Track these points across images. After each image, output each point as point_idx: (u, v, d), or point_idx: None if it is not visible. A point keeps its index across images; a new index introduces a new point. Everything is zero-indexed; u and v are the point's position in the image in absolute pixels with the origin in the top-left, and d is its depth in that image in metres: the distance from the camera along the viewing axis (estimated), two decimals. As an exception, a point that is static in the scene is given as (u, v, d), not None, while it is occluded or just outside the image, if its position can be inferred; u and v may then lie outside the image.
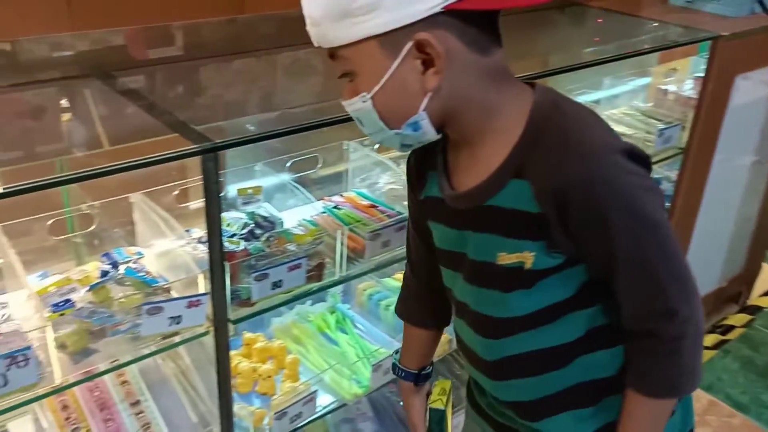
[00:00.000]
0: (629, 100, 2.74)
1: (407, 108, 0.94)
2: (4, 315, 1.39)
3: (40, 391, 1.28)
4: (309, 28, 0.95)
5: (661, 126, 2.39)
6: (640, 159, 0.93)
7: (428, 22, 0.88)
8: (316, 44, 0.96)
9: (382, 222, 1.76)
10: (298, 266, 1.56)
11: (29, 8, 2.69)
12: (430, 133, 0.97)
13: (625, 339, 1.02)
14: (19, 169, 1.39)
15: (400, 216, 1.79)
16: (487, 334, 1.08)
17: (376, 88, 0.93)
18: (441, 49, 0.89)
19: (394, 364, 1.37)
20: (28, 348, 1.22)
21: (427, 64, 0.91)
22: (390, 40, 0.89)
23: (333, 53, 0.95)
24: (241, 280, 1.55)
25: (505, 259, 0.99)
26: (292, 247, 1.63)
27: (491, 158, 0.97)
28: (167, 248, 1.59)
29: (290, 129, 1.47)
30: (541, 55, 2.36)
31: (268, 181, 1.91)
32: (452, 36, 0.89)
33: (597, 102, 2.70)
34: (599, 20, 2.69)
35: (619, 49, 2.23)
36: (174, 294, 1.51)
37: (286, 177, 1.91)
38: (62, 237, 1.67)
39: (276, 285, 1.54)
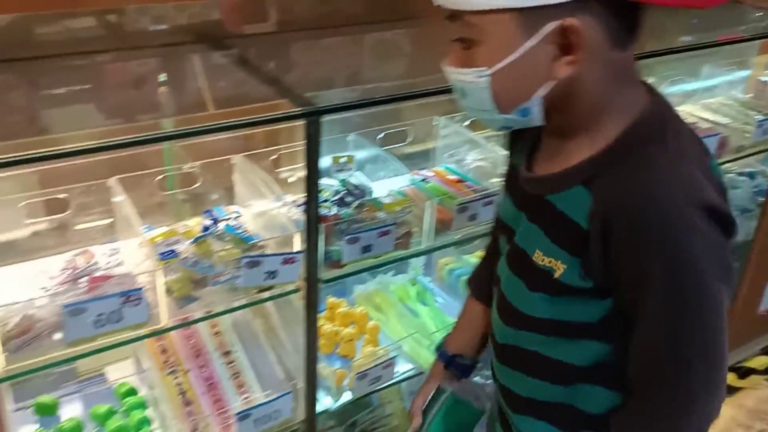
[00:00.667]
0: (728, 91, 2.65)
1: (524, 93, 0.88)
2: (117, 260, 1.49)
3: (144, 332, 1.37)
4: None
5: (760, 117, 2.31)
6: (722, 221, 0.85)
7: (577, 5, 0.81)
8: (437, 2, 0.89)
9: (470, 196, 1.78)
10: (387, 232, 1.61)
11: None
12: (537, 120, 0.91)
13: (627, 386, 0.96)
14: (129, 127, 1.49)
15: (488, 191, 1.81)
16: (503, 316, 1.06)
17: (500, 65, 0.85)
18: (586, 37, 0.82)
19: (438, 343, 1.34)
20: (140, 289, 1.32)
21: (564, 50, 0.83)
22: (531, 16, 0.82)
23: (456, 15, 0.87)
24: (333, 242, 1.61)
25: (539, 258, 0.95)
26: (381, 214, 1.68)
27: (572, 155, 0.92)
28: (264, 209, 1.67)
29: (388, 98, 1.51)
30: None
31: (359, 152, 1.97)
32: (598, 25, 0.82)
33: (694, 91, 2.63)
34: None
35: (716, 36, 2.16)
36: (269, 251, 1.59)
37: (377, 148, 1.96)
38: (168, 193, 1.77)
39: (366, 249, 1.59)
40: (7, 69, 1.59)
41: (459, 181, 1.93)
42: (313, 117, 1.37)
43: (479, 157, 2.00)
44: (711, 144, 2.12)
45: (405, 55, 2.10)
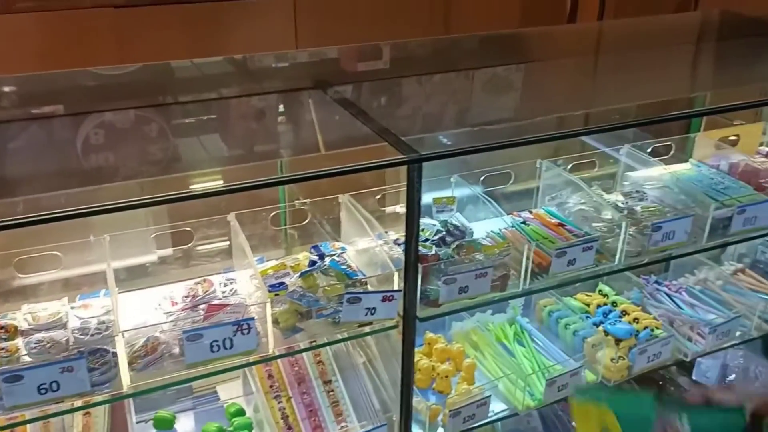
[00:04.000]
0: None
1: None
2: (232, 290, 1.63)
3: (251, 359, 1.49)
4: None
5: None
6: None
7: None
8: None
9: (569, 241, 1.79)
10: (484, 274, 1.65)
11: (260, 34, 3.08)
12: None
13: None
14: (246, 167, 1.63)
15: (588, 236, 1.81)
16: None
17: None
18: None
19: None
20: (252, 319, 1.43)
21: None
22: None
23: None
24: (431, 281, 1.67)
25: None
26: (479, 256, 1.72)
27: None
28: (367, 246, 1.75)
29: (489, 146, 1.56)
30: (759, 81, 2.24)
31: (461, 192, 2.02)
32: None
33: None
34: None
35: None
36: (370, 288, 1.67)
37: (478, 189, 2.01)
38: (279, 228, 1.90)
39: (462, 290, 1.64)
40: (144, 113, 1.78)
41: (559, 225, 1.94)
42: (414, 164, 1.44)
43: (581, 201, 1.99)
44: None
45: (514, 92, 2.14)
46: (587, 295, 2.26)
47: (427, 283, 1.66)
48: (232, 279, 1.67)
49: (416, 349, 2.03)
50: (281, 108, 1.97)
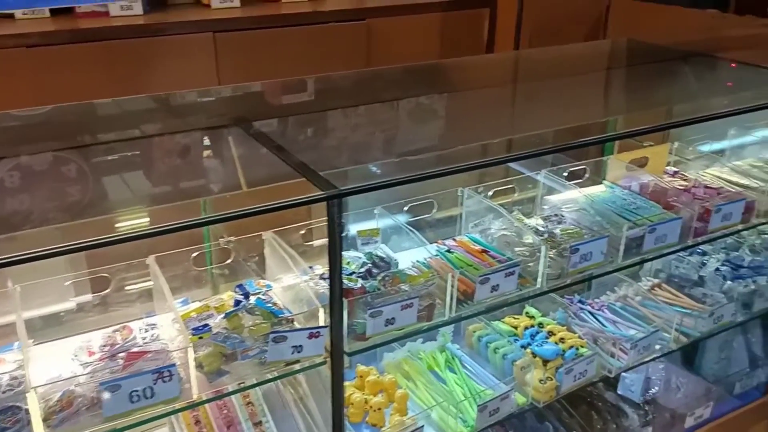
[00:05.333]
0: (757, 152, 2.65)
1: None
2: (153, 335, 1.58)
3: (177, 406, 1.45)
4: None
5: (791, 178, 2.31)
6: None
7: None
8: None
9: (493, 267, 1.83)
10: (410, 305, 1.66)
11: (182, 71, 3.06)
12: None
13: None
14: (164, 209, 1.60)
15: (510, 262, 1.85)
16: None
17: None
18: None
19: None
20: (173, 365, 1.39)
21: None
22: None
23: None
24: (357, 315, 1.67)
25: None
26: (405, 287, 1.74)
27: None
28: (292, 282, 1.74)
29: (407, 178, 1.58)
30: (665, 104, 2.37)
31: (386, 222, 2.04)
32: None
33: (721, 152, 2.64)
34: (725, 70, 2.64)
35: (740, 100, 2.20)
36: (297, 325, 1.65)
37: (401, 220, 2.03)
38: (204, 268, 1.87)
39: (389, 322, 1.65)
40: (61, 154, 1.73)
41: (483, 251, 1.98)
42: (333, 199, 1.45)
43: (502, 226, 2.04)
44: (737, 209, 2.12)
45: (432, 122, 2.19)
46: (515, 318, 2.31)
47: (354, 317, 1.66)
48: (153, 324, 1.63)
49: (348, 383, 2.03)
50: (200, 146, 1.95)
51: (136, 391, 1.36)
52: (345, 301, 1.58)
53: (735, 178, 2.38)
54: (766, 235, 2.61)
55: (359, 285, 1.75)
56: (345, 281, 1.74)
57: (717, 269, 2.44)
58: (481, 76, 2.78)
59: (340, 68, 3.26)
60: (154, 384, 1.37)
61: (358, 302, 1.67)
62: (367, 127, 2.13)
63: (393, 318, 1.64)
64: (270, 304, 1.69)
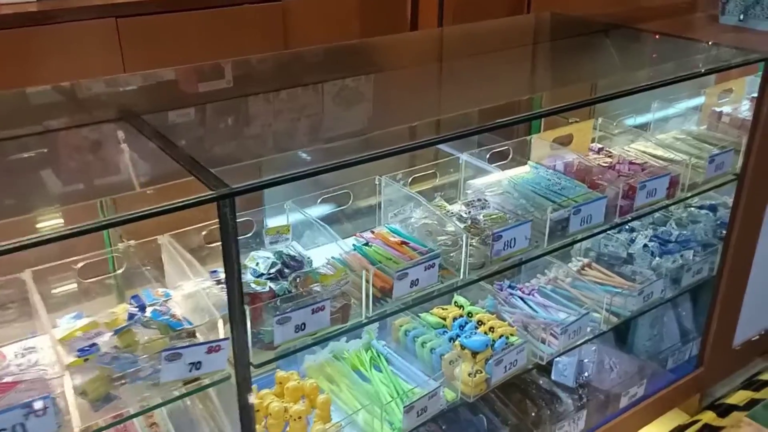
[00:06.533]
0: (681, 124, 2.61)
1: None
2: (30, 360, 1.40)
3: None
4: None
5: (715, 151, 2.27)
6: None
7: None
8: None
9: (411, 260, 1.71)
10: (321, 308, 1.53)
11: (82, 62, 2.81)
12: None
13: None
14: (30, 217, 1.40)
15: (431, 253, 1.74)
16: None
17: None
18: None
19: None
20: (46, 397, 1.23)
21: None
22: None
23: None
24: (266, 322, 1.53)
25: None
26: (317, 287, 1.61)
27: None
28: (193, 290, 1.59)
29: (304, 172, 1.44)
30: (589, 79, 2.30)
31: (298, 217, 1.90)
32: None
33: (646, 126, 2.59)
34: (647, 42, 2.59)
35: (663, 72, 2.14)
36: (199, 337, 1.50)
37: (312, 214, 1.89)
38: (94, 279, 1.69)
39: (299, 328, 1.51)
40: None
41: (402, 243, 1.86)
42: (224, 199, 1.30)
43: (424, 215, 1.93)
44: (661, 185, 2.06)
45: (347, 111, 2.05)
46: (443, 309, 2.21)
47: (261, 325, 1.52)
48: (32, 348, 1.45)
49: (266, 391, 1.89)
50: (82, 144, 1.75)
51: (4, 430, 1.19)
52: (247, 309, 1.43)
53: (659, 152, 2.33)
54: (691, 209, 2.58)
55: (267, 288, 1.61)
56: (252, 285, 1.59)
57: (645, 245, 2.40)
58: (404, 55, 2.66)
59: (256, 53, 3.08)
60: (26, 420, 1.20)
61: (267, 307, 1.53)
62: (274, 116, 1.97)
63: (303, 323, 1.51)
64: (167, 316, 1.53)
